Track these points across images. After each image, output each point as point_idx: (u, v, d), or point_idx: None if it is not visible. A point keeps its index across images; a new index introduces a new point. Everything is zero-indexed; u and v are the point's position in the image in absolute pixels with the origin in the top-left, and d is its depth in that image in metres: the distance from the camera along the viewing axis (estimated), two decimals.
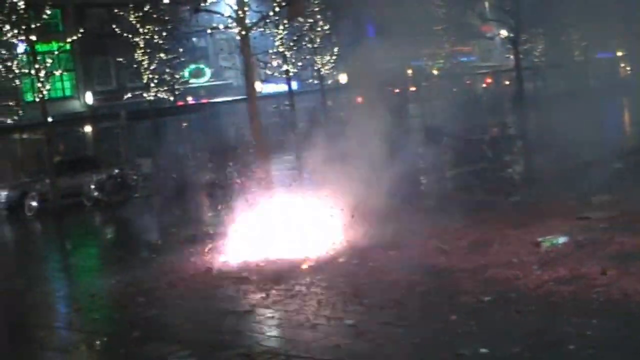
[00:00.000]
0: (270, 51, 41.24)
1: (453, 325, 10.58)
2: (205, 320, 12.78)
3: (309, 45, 45.88)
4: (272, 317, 12.37)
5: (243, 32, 22.30)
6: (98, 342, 12.56)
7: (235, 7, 22.37)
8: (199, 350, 11.04)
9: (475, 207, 19.38)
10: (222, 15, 22.84)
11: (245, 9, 22.54)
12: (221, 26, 23.50)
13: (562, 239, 14.73)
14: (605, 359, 8.96)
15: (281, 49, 40.72)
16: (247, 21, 22.62)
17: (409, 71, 63.69)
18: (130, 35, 44.45)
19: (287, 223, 18.95)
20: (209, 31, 24.80)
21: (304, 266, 15.49)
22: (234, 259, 17.01)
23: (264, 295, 13.71)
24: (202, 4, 23.25)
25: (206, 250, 18.42)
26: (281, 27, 39.96)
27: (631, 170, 23.13)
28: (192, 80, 61.41)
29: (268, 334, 11.54)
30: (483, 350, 9.46)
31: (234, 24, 22.56)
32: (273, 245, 17.60)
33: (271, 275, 15.04)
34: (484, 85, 76.70)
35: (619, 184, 20.33)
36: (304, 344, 10.80)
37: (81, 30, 38.16)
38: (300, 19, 44.17)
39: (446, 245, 15.60)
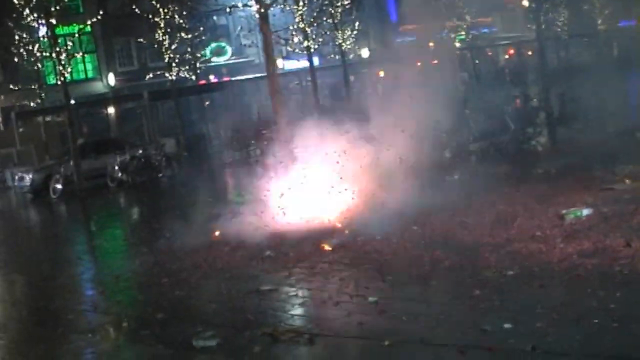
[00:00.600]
0: (291, 27, 41.10)
1: (476, 301, 10.53)
2: (229, 300, 12.77)
3: (330, 21, 45.69)
4: (296, 296, 12.37)
5: (262, 10, 22.20)
6: (122, 324, 12.58)
7: None
8: (222, 330, 11.03)
9: (499, 180, 19.24)
10: None
11: None
12: (240, 4, 23.43)
13: (585, 211, 14.64)
14: (630, 332, 8.87)
15: (301, 25, 40.56)
16: None
17: (431, 44, 63.45)
18: (150, 16, 44.38)
19: (310, 200, 18.98)
20: (227, 9, 24.68)
21: (327, 244, 15.46)
22: (258, 238, 17.00)
23: (287, 273, 13.72)
24: None
25: (230, 229, 18.46)
26: (301, 3, 39.80)
27: None
28: (213, 59, 61.50)
29: (291, 312, 11.54)
30: (506, 325, 9.41)
31: (253, 2, 22.47)
32: (296, 223, 17.65)
33: (295, 254, 15.05)
34: (507, 56, 76.33)
35: None
36: (327, 321, 10.79)
37: (101, 12, 38.14)
38: None
39: (469, 220, 15.55)
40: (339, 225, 17.05)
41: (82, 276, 17.46)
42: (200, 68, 51.36)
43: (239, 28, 42.70)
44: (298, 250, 15.27)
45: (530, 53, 70.19)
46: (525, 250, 12.72)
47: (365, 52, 64.38)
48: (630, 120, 26.75)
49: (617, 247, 12.04)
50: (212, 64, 61.36)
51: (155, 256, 17.28)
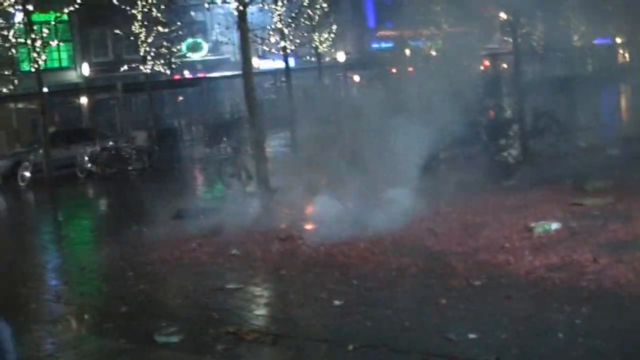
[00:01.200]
0: (268, 27, 40.99)
1: (442, 309, 10.52)
2: (195, 296, 12.72)
3: (307, 23, 45.63)
4: (261, 296, 12.34)
5: (240, 7, 22.12)
6: (86, 316, 12.48)
7: None
8: (186, 326, 10.97)
9: (469, 190, 19.24)
10: None
11: None
12: (219, 0, 23.31)
13: (555, 225, 14.67)
14: (594, 348, 8.87)
15: (279, 25, 40.46)
16: None
17: (407, 51, 63.63)
18: (128, 7, 44.16)
19: (278, 199, 18.99)
20: (206, 5, 24.60)
21: (296, 245, 15.43)
22: (225, 235, 17.01)
23: (253, 273, 13.68)
24: None
25: (197, 224, 18.47)
26: (280, 3, 39.68)
27: (627, 157, 23.04)
28: (189, 54, 61.30)
29: (256, 312, 11.47)
30: (471, 335, 9.39)
31: None
32: (266, 222, 17.64)
33: (261, 253, 15.02)
34: (482, 67, 76.51)
35: (614, 171, 20.26)
36: (291, 323, 10.77)
37: (78, 1, 37.83)
38: None
39: (438, 228, 15.55)
40: (308, 227, 17.02)
41: (47, 265, 17.35)
42: (175, 63, 51.15)
43: (216, 25, 42.44)
44: (265, 250, 15.23)
45: (505, 65, 70.53)
46: (493, 260, 12.73)
47: (341, 56, 64.43)
48: (601, 136, 26.89)
49: (584, 262, 12.06)
50: (188, 59, 61.18)
51: (121, 248, 17.21)
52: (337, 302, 11.29)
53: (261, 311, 11.54)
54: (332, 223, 16.40)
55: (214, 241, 16.62)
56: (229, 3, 22.98)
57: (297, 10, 41.71)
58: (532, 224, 14.77)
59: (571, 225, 14.70)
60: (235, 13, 22.54)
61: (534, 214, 15.97)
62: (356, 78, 67.09)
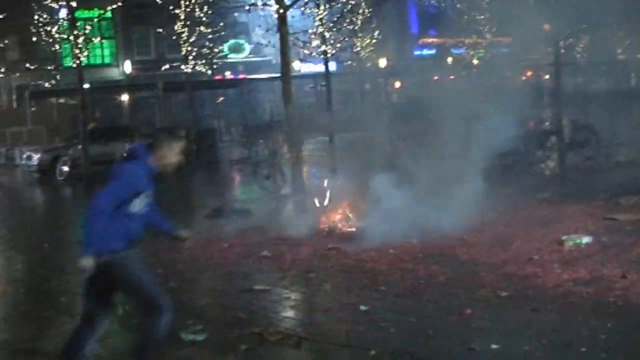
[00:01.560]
0: (310, 31, 41.05)
1: (467, 319, 10.50)
2: (222, 296, 12.81)
3: (349, 28, 45.71)
4: (288, 298, 12.35)
5: (281, 10, 22.22)
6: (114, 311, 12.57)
7: None
8: (212, 326, 11.04)
9: (504, 201, 19.19)
10: None
11: None
12: (259, 3, 23.43)
13: (586, 239, 14.61)
14: None
15: (320, 30, 40.52)
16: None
17: (449, 59, 63.60)
18: (171, 7, 44.43)
19: (313, 204, 19.08)
20: (246, 7, 24.73)
21: (326, 248, 15.49)
22: (256, 236, 17.13)
23: (282, 275, 13.73)
24: None
25: (230, 225, 18.62)
26: (322, 7, 39.75)
27: None
28: (231, 55, 61.66)
29: (282, 314, 11.51)
30: (494, 346, 9.38)
31: (273, 1, 22.51)
32: (298, 225, 17.71)
33: (291, 256, 15.08)
34: (524, 77, 76.25)
35: None
36: (316, 327, 10.80)
37: None
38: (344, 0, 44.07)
39: (469, 238, 15.53)
40: (340, 231, 17.11)
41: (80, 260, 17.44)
42: (216, 63, 51.48)
43: (257, 27, 42.64)
44: (295, 253, 15.29)
45: (547, 76, 70.22)
46: (521, 272, 12.70)
47: (383, 62, 64.45)
48: None
49: (613, 278, 12.00)
50: (230, 60, 61.52)
51: (153, 246, 17.26)
52: (363, 308, 11.31)
53: (287, 313, 11.57)
54: (366, 229, 16.49)
55: (245, 242, 16.72)
56: (270, 6, 23.05)
57: (339, 15, 41.72)
58: (563, 237, 14.71)
59: (602, 240, 14.63)
60: (275, 16, 22.63)
61: (566, 227, 15.92)
62: (397, 84, 67.09)
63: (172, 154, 8.41)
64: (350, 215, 18.20)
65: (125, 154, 8.68)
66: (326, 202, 19.16)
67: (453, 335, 9.96)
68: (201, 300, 12.72)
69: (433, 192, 17.89)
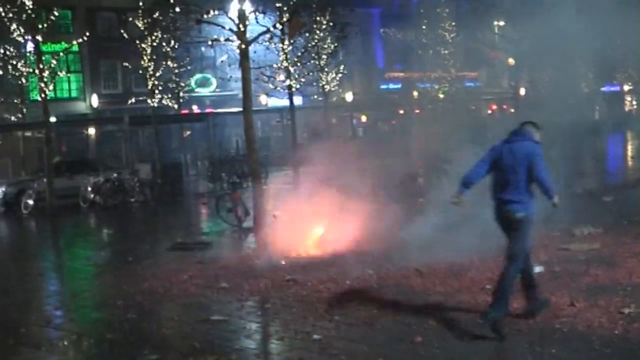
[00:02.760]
0: (275, 65, 41.43)
1: (417, 347, 10.74)
2: (179, 326, 12.99)
3: (314, 62, 46.17)
4: (244, 328, 12.54)
5: (243, 46, 22.52)
6: (72, 341, 12.72)
7: (237, 21, 22.61)
8: (168, 355, 11.23)
9: (461, 231, 19.42)
10: (223, 27, 23.04)
11: (247, 23, 22.75)
12: (222, 39, 23.68)
13: (538, 269, 14.82)
14: None
15: (285, 64, 40.92)
16: (247, 35, 22.82)
17: (415, 93, 64.13)
18: (137, 41, 44.70)
19: (274, 236, 19.30)
20: (209, 42, 25.00)
21: (284, 280, 15.69)
22: (219, 269, 17.34)
23: (239, 306, 13.93)
24: (206, 16, 23.43)
25: (191, 257, 18.85)
26: (286, 42, 40.17)
27: (619, 204, 23.33)
28: (198, 89, 61.86)
29: (237, 344, 11.70)
30: None
31: (234, 37, 22.80)
32: (258, 257, 17.95)
33: (249, 287, 15.29)
34: (489, 111, 76.94)
35: (604, 217, 20.52)
36: (269, 355, 11.05)
37: (87, 33, 38.42)
38: (307, 34, 44.47)
39: (424, 268, 15.77)
40: (298, 262, 17.34)
41: (41, 292, 17.61)
42: (183, 97, 51.68)
43: (220, 61, 42.96)
44: (253, 284, 15.49)
45: (512, 110, 70.91)
46: (473, 301, 12.95)
47: (349, 95, 64.88)
48: (600, 182, 27.13)
49: (561, 306, 12.29)
50: (196, 94, 61.76)
51: (115, 278, 17.56)
52: (316, 337, 11.53)
53: (241, 343, 11.76)
54: (323, 261, 16.77)
55: (205, 274, 16.93)
56: (232, 41, 23.33)
57: (303, 50, 42.15)
58: None
59: (554, 270, 14.93)
60: (238, 51, 22.93)
61: None
62: (363, 118, 67.57)
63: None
64: (308, 247, 18.49)
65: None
66: (287, 233, 19.39)
67: None
68: (159, 331, 12.89)
69: (386, 227, 18.27)
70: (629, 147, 53.78)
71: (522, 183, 11.55)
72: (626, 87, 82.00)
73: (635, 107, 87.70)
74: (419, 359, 10.27)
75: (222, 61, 45.01)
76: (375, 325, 12.05)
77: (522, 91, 59.10)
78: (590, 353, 10.17)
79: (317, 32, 45.77)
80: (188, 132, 59.20)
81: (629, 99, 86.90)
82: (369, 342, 11.14)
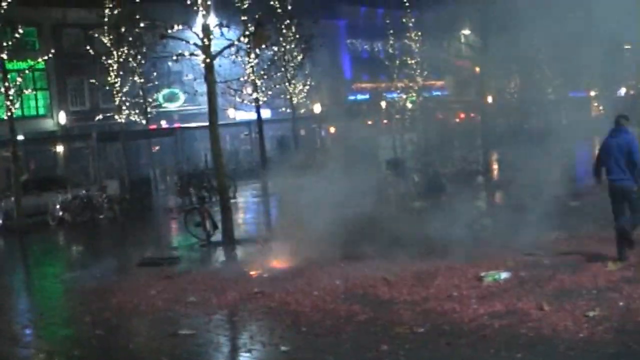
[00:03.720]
0: (242, 79, 41.47)
1: (382, 355, 10.80)
2: (148, 341, 13.02)
3: (281, 75, 46.29)
4: (211, 342, 12.55)
5: (207, 60, 22.55)
6: (39, 359, 12.70)
7: (201, 35, 22.62)
8: None
9: (428, 239, 19.51)
10: (188, 42, 23.08)
11: (211, 37, 22.78)
12: (187, 53, 23.70)
13: (504, 275, 14.99)
14: None
15: (252, 77, 41.00)
16: (212, 49, 22.84)
17: (383, 103, 64.32)
18: (104, 57, 44.63)
19: (240, 248, 19.35)
20: (174, 57, 24.99)
21: (252, 292, 15.70)
22: (187, 283, 17.34)
23: (207, 319, 13.93)
24: (171, 31, 23.44)
25: (159, 273, 18.84)
26: (252, 55, 40.23)
27: (585, 209, 23.50)
28: (165, 105, 61.74)
29: (205, 357, 11.72)
30: None
31: (199, 52, 22.82)
32: (226, 271, 17.98)
33: (217, 300, 15.29)
34: (457, 120, 77.27)
35: (571, 222, 20.70)
36: None
37: (53, 50, 38.28)
38: (274, 47, 44.57)
39: (391, 276, 15.83)
40: (266, 275, 17.37)
41: (9, 310, 17.53)
42: (151, 112, 51.58)
43: (188, 76, 42.98)
44: (221, 298, 15.50)
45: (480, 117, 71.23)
46: (440, 309, 13.02)
47: (317, 107, 64.93)
48: (566, 188, 27.26)
49: (527, 310, 12.37)
50: (164, 109, 61.66)
51: (83, 295, 17.51)
52: (283, 348, 11.58)
53: (209, 356, 11.78)
54: (291, 273, 16.82)
55: (173, 289, 16.92)
56: (197, 56, 23.35)
57: (269, 62, 42.23)
58: (482, 274, 15.09)
59: (520, 275, 15.02)
60: (202, 65, 22.96)
61: (487, 263, 16.27)
62: (332, 129, 67.63)
63: None
64: (275, 260, 18.54)
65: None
66: (255, 247, 19.46)
67: None
68: (127, 346, 12.86)
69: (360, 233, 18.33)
70: (596, 153, 54.15)
71: (624, 165, 15.39)
72: (592, 93, 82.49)
73: (602, 112, 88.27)
74: None
75: (187, 76, 44.87)
76: (342, 334, 12.09)
77: (489, 99, 59.34)
78: (556, 357, 10.24)
79: (283, 44, 45.91)
80: (157, 147, 59.05)
81: (595, 104, 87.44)
82: (336, 352, 11.20)
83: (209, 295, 15.86)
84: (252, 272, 17.80)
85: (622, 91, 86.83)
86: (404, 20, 64.83)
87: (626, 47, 72.62)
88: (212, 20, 23.59)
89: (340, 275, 16.37)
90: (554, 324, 11.55)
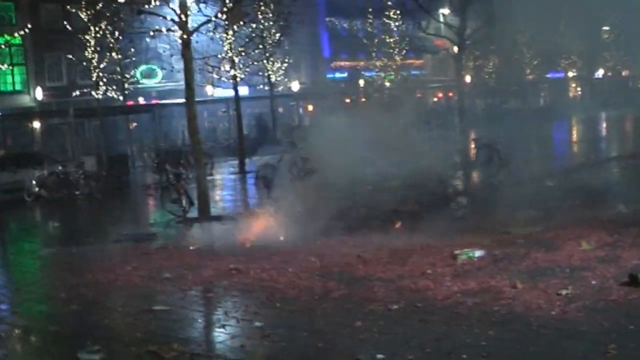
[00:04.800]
0: (220, 56, 41.36)
1: (356, 332, 10.84)
2: (122, 317, 12.97)
3: (259, 52, 46.21)
4: (186, 317, 12.58)
5: (185, 36, 22.48)
6: (14, 335, 12.68)
7: (178, 11, 22.54)
8: (110, 345, 11.22)
9: (403, 218, 19.61)
10: (165, 18, 23.01)
11: (188, 13, 22.71)
12: (164, 29, 23.65)
13: (478, 253, 15.07)
14: None
15: (230, 54, 40.88)
16: (190, 25, 22.78)
17: (361, 82, 64.33)
18: (82, 33, 44.44)
19: (218, 225, 19.38)
20: (151, 33, 24.93)
21: (227, 269, 15.72)
22: (163, 259, 17.35)
23: (182, 296, 13.95)
24: (148, 6, 23.37)
25: (135, 249, 18.83)
26: (230, 32, 40.09)
27: (561, 188, 23.63)
28: (143, 81, 61.53)
29: (179, 332, 11.72)
30: (380, 356, 9.73)
31: (177, 28, 22.75)
32: (202, 247, 17.99)
33: (192, 277, 15.30)
34: (435, 99, 77.46)
35: (546, 201, 20.83)
36: (211, 343, 11.11)
37: (29, 26, 38.11)
38: (252, 24, 44.46)
39: (367, 254, 15.90)
40: (241, 251, 17.41)
41: None
42: (128, 89, 51.42)
43: (166, 52, 42.75)
44: (196, 274, 15.51)
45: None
46: (414, 286, 13.09)
47: (295, 85, 64.89)
48: (543, 167, 27.45)
49: (501, 288, 12.45)
50: (142, 86, 61.46)
51: (59, 271, 17.49)
52: (257, 324, 11.60)
53: (184, 332, 11.79)
54: (267, 250, 16.85)
55: (149, 265, 16.91)
56: (174, 32, 23.29)
57: (247, 39, 42.12)
58: (457, 251, 15.16)
59: (495, 253, 15.09)
60: (180, 41, 22.89)
61: (462, 242, 16.36)
62: (310, 107, 67.65)
63: None
64: (253, 236, 18.57)
65: None
66: (230, 223, 19.48)
67: (342, 348, 10.29)
68: (102, 322, 12.85)
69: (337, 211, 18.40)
70: (571, 133, 54.37)
71: None
72: (570, 74, 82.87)
73: (579, 92, 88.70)
74: (359, 344, 10.35)
75: (164, 51, 44.68)
76: (316, 311, 12.13)
77: (467, 79, 59.48)
78: (528, 334, 10.31)
79: (262, 21, 45.81)
80: (134, 124, 58.88)
81: (573, 85, 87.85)
82: (309, 329, 11.23)
83: (184, 271, 15.86)
84: (227, 249, 17.81)
85: (600, 73, 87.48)
86: None
87: (604, 28, 72.94)
88: None
89: (316, 252, 16.41)
90: (526, 302, 11.63)
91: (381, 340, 10.44)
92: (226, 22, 37.61)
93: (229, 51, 40.70)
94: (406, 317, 11.41)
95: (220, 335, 11.41)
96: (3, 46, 38.70)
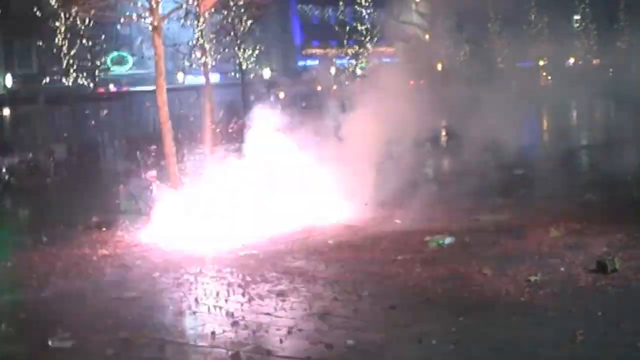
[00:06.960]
0: (191, 43, 41.22)
1: (328, 317, 10.93)
2: (93, 305, 12.95)
3: (231, 39, 46.10)
4: (157, 304, 12.60)
5: (155, 22, 22.35)
6: None
7: None
8: (81, 333, 11.21)
9: (375, 204, 19.62)
10: (135, 4, 22.89)
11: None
12: (134, 16, 23.50)
13: (448, 239, 15.17)
14: (464, 353, 9.35)
15: (200, 41, 40.72)
16: (160, 12, 22.64)
17: (332, 70, 64.24)
18: (52, 19, 44.14)
19: (190, 212, 19.35)
20: (122, 20, 24.78)
21: (197, 255, 15.74)
22: (135, 247, 17.32)
23: (153, 283, 13.95)
24: None
25: (105, 236, 18.77)
26: (201, 19, 39.93)
27: (530, 177, 23.71)
28: (114, 68, 61.16)
29: (150, 319, 11.74)
30: (350, 341, 9.84)
31: (147, 14, 22.61)
32: (174, 234, 17.95)
33: (163, 264, 15.30)
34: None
35: (515, 189, 20.94)
36: (181, 330, 11.12)
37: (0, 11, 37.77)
38: (224, 12, 44.33)
39: (338, 241, 15.96)
40: (212, 238, 17.40)
41: None
42: (99, 76, 51.12)
43: (139, 39, 42.49)
44: (168, 261, 15.51)
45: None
46: (384, 272, 13.18)
47: (267, 73, 64.71)
48: (513, 156, 27.51)
49: (470, 274, 12.58)
50: (113, 73, 61.10)
51: (29, 259, 17.35)
52: (228, 310, 11.65)
53: (154, 319, 11.80)
54: (237, 237, 16.91)
55: (120, 252, 16.87)
56: (144, 18, 23.14)
57: (218, 27, 42.00)
58: (427, 239, 15.24)
59: (465, 240, 15.21)
60: (150, 28, 22.74)
61: (432, 229, 16.43)
62: (281, 95, 67.45)
63: None
64: (224, 223, 18.53)
65: None
66: (203, 209, 19.45)
67: (312, 333, 10.36)
68: (72, 310, 12.84)
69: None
70: (541, 122, 54.56)
71: None
72: (541, 62, 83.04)
73: (550, 81, 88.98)
74: (329, 329, 10.42)
75: (139, 39, 44.54)
76: (287, 297, 12.19)
77: (439, 66, 59.50)
78: (497, 320, 10.42)
79: (233, 8, 45.66)
80: (105, 112, 58.51)
81: (544, 73, 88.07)
82: (280, 314, 11.30)
83: (155, 258, 15.87)
84: (199, 237, 17.79)
85: (571, 61, 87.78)
86: None
87: (575, 17, 73.27)
88: None
89: (289, 238, 16.47)
90: (496, 288, 11.77)
91: (351, 326, 10.58)
92: (198, 9, 37.46)
93: (200, 38, 40.54)
94: (376, 303, 11.52)
95: (191, 322, 11.52)
96: None
